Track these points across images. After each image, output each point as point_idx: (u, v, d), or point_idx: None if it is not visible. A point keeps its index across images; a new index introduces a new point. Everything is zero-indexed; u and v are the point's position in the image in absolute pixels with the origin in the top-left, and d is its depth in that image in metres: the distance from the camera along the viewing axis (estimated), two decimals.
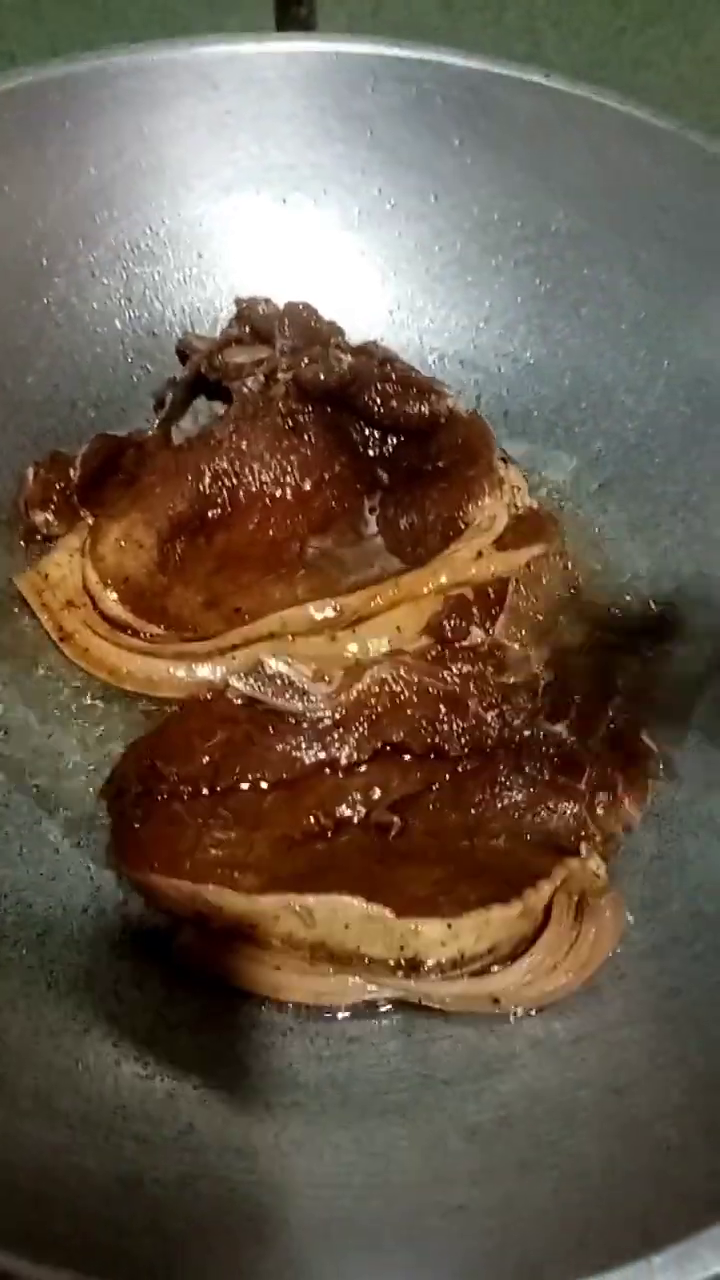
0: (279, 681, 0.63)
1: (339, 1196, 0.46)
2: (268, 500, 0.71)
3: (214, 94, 0.74)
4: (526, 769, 0.61)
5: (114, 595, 0.66)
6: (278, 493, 0.72)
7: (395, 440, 0.72)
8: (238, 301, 0.74)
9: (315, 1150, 0.48)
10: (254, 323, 0.73)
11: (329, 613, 0.67)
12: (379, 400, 0.71)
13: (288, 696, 0.62)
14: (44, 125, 0.70)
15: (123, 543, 0.67)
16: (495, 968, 0.54)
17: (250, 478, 0.71)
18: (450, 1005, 0.54)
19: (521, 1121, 0.49)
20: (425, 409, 0.71)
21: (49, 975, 0.53)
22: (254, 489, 0.71)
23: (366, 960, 0.53)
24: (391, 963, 0.53)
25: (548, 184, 0.76)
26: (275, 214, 0.78)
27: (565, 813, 0.59)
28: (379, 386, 0.71)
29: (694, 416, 0.73)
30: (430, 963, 0.53)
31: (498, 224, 0.78)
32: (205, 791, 0.59)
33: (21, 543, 0.69)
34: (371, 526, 0.73)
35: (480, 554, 0.68)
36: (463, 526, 0.69)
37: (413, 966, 0.53)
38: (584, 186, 0.75)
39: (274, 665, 0.63)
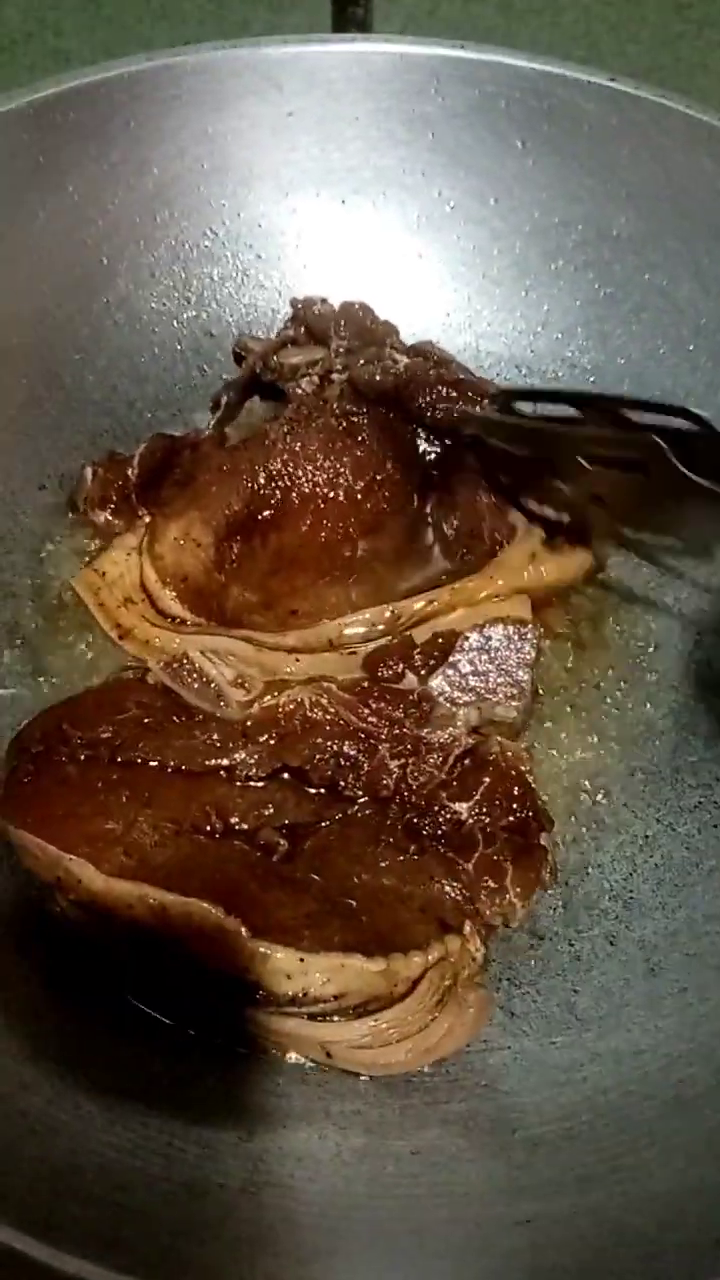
0: (198, 676, 0.62)
1: (403, 1207, 0.46)
2: (320, 502, 0.71)
3: (278, 95, 0.74)
4: (421, 831, 0.58)
5: (172, 593, 0.66)
6: (330, 494, 0.71)
7: (447, 443, 0.72)
8: (293, 302, 0.74)
9: (378, 1160, 0.48)
10: (310, 323, 0.72)
11: (386, 616, 0.67)
12: (432, 403, 0.70)
13: (200, 693, 0.62)
14: (109, 124, 0.71)
15: (181, 541, 0.67)
16: (336, 1017, 0.51)
17: (303, 478, 0.71)
18: (278, 1039, 0.52)
19: (585, 1134, 0.49)
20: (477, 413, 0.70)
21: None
22: (307, 490, 0.71)
23: (207, 974, 0.51)
24: (233, 981, 0.51)
25: (610, 188, 0.75)
26: (335, 215, 0.78)
27: (449, 889, 0.56)
28: (433, 389, 0.70)
29: None
30: (270, 992, 0.50)
31: (558, 227, 0.77)
32: (106, 760, 0.58)
33: (83, 541, 0.69)
34: (427, 527, 0.72)
35: (534, 555, 0.67)
36: (508, 531, 0.69)
37: (252, 991, 0.50)
38: (646, 191, 0.75)
39: (198, 660, 0.62)
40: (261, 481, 0.70)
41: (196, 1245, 0.42)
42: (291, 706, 0.61)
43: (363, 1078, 0.52)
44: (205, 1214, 0.43)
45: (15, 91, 0.68)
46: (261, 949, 0.50)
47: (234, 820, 0.57)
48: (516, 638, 0.64)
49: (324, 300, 0.73)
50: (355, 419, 0.71)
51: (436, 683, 0.63)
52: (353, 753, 0.60)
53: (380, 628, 0.67)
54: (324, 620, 0.68)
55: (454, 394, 0.70)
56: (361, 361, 0.71)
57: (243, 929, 0.50)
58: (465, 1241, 0.44)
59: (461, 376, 0.71)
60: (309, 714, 0.61)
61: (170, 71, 0.72)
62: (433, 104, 0.76)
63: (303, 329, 0.75)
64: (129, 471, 0.70)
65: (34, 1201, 0.40)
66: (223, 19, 0.95)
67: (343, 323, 0.72)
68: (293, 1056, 0.53)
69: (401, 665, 0.64)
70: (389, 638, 0.66)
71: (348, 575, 0.70)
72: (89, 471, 0.69)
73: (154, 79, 0.72)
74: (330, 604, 0.69)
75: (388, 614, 0.67)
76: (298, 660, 0.66)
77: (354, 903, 0.54)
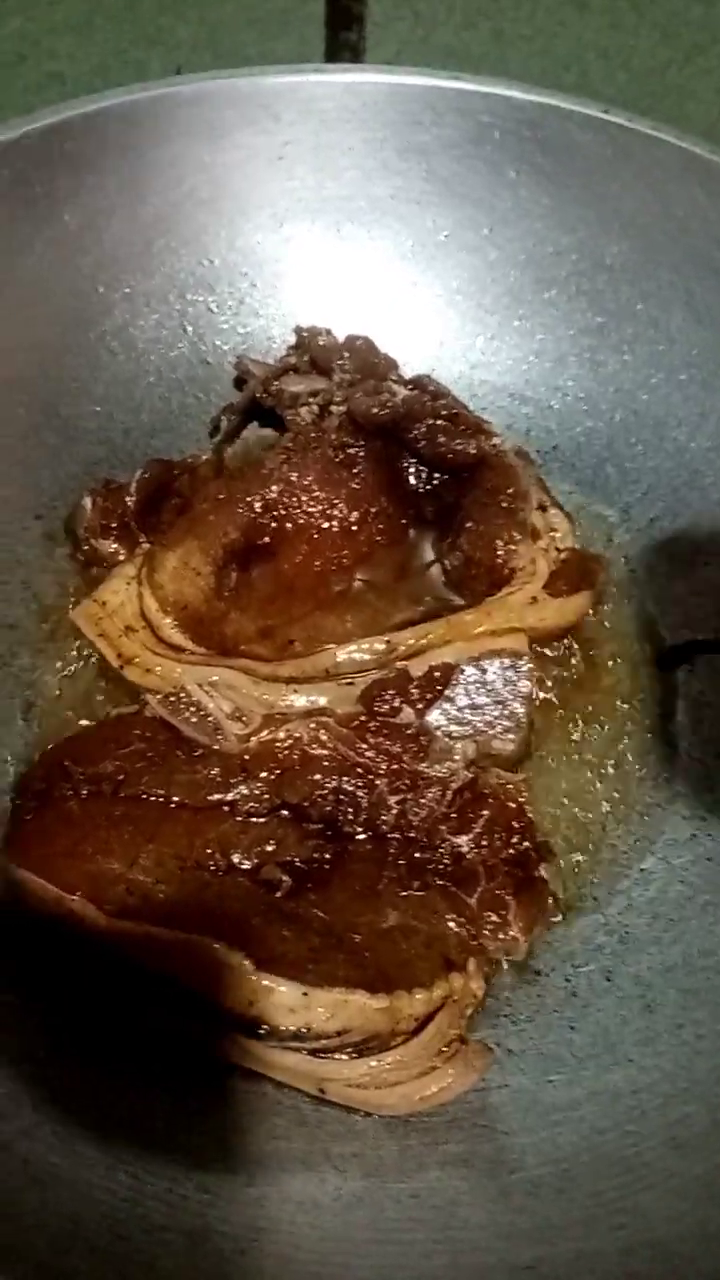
0: (195, 710, 0.62)
1: (404, 1253, 0.46)
2: (315, 532, 0.71)
3: (274, 125, 0.74)
4: (423, 866, 0.59)
5: (172, 622, 0.66)
6: (325, 524, 0.71)
7: (441, 477, 0.72)
8: (298, 330, 0.74)
9: (377, 1204, 0.48)
10: (313, 353, 0.73)
11: (379, 648, 0.67)
12: (426, 436, 0.70)
13: (198, 727, 0.62)
14: (106, 154, 0.70)
15: (180, 570, 0.67)
16: (338, 1055, 0.52)
17: (299, 508, 0.71)
18: (276, 1075, 0.52)
19: (584, 1176, 0.49)
20: (471, 448, 0.71)
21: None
22: (302, 520, 0.71)
23: (210, 1010, 0.51)
24: (236, 1016, 0.51)
25: (603, 218, 0.76)
26: (329, 244, 0.78)
27: (453, 924, 0.57)
28: (428, 422, 0.70)
29: None
30: (272, 1027, 0.50)
31: (551, 257, 0.77)
32: (109, 795, 0.58)
33: (82, 567, 0.70)
34: (421, 560, 0.73)
35: (535, 600, 0.67)
36: (507, 574, 0.69)
37: (254, 1025, 0.51)
38: (639, 221, 0.75)
39: (195, 693, 0.62)
40: (258, 510, 0.70)
41: None
42: (290, 741, 0.62)
43: (359, 1116, 0.52)
44: (207, 1263, 0.43)
45: (13, 121, 0.68)
46: (265, 982, 0.51)
47: (236, 857, 0.57)
48: (512, 671, 0.65)
49: (328, 331, 0.73)
50: (352, 451, 0.71)
51: (434, 716, 0.64)
52: (351, 788, 0.60)
53: (375, 659, 0.67)
54: (319, 649, 0.68)
55: (448, 427, 0.71)
56: (360, 394, 0.71)
57: (246, 962, 0.51)
58: None
59: (457, 410, 0.71)
60: (307, 749, 0.61)
61: (168, 101, 0.72)
62: (427, 134, 0.76)
63: (306, 357, 0.75)
64: (127, 499, 0.70)
65: (37, 1254, 0.40)
66: (217, 44, 0.95)
67: (346, 355, 0.72)
68: (287, 1095, 0.53)
69: (398, 699, 0.64)
70: (385, 670, 0.66)
71: (343, 605, 0.70)
72: (88, 500, 0.69)
73: (151, 109, 0.71)
74: (326, 634, 0.69)
75: (382, 645, 0.67)
76: (295, 691, 0.66)
77: (358, 938, 0.55)
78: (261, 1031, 0.51)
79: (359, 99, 0.75)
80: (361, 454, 0.71)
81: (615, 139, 0.74)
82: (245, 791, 0.60)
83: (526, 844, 0.60)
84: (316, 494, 0.71)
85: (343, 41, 0.95)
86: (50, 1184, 0.44)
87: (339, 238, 0.78)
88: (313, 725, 0.62)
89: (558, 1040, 0.56)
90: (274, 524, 0.70)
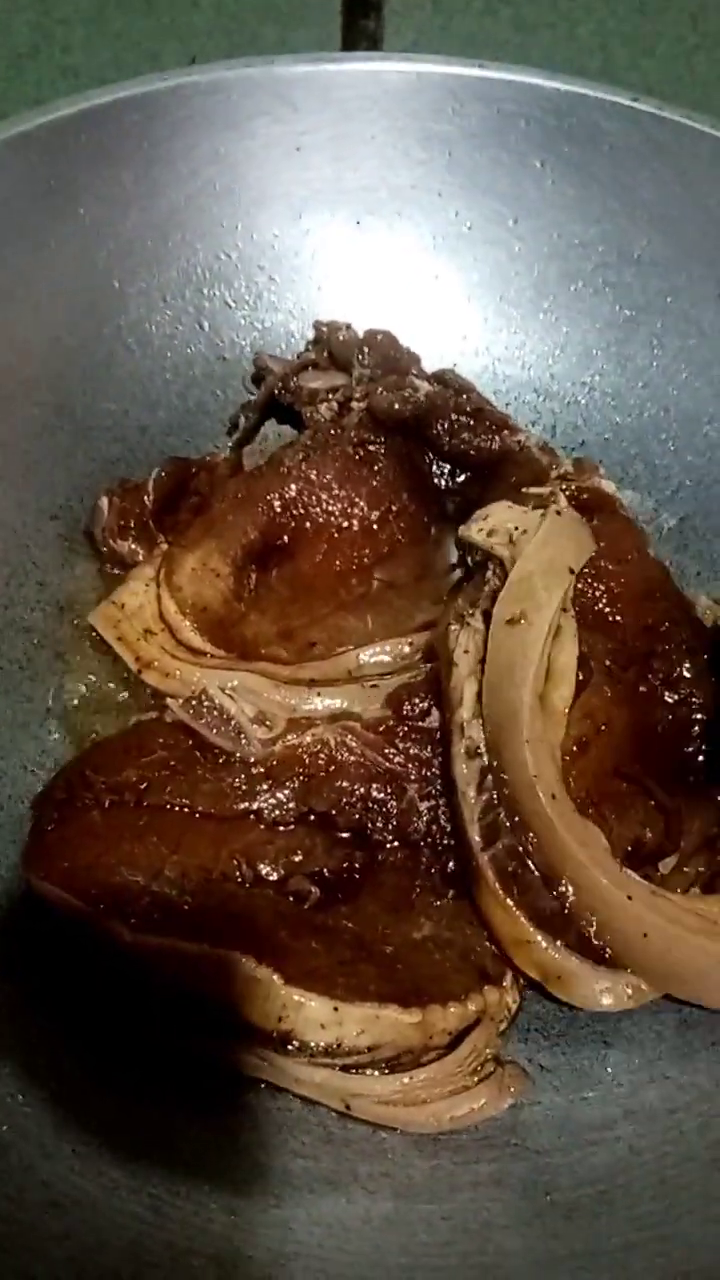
0: (218, 714, 0.60)
1: (437, 1279, 0.44)
2: (335, 531, 0.69)
3: (292, 115, 0.72)
4: (456, 875, 0.57)
5: (192, 624, 0.65)
6: (345, 523, 0.69)
7: (464, 474, 0.71)
8: (317, 325, 0.72)
9: (409, 1227, 0.46)
10: (333, 348, 0.71)
11: (403, 650, 0.66)
12: (449, 432, 0.69)
13: (221, 732, 0.60)
14: (122, 145, 0.69)
15: (199, 571, 0.66)
16: (369, 1070, 0.51)
17: (318, 507, 0.69)
18: (303, 1091, 0.51)
19: (621, 1199, 0.48)
20: (495, 444, 0.69)
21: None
22: (321, 519, 0.69)
23: (237, 1026, 0.49)
24: (264, 1032, 0.49)
25: (631, 209, 0.74)
26: (349, 236, 0.77)
27: (485, 938, 0.55)
28: (452, 419, 0.69)
29: None
30: (303, 1043, 0.49)
31: (578, 249, 0.76)
32: (132, 804, 0.56)
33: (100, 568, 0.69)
34: (444, 559, 0.71)
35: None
36: None
37: (283, 1041, 0.49)
38: (669, 213, 0.73)
39: (218, 697, 0.61)
40: (277, 509, 0.68)
41: None
42: (317, 747, 0.60)
43: (386, 1134, 0.51)
44: None
45: (27, 114, 0.66)
46: (295, 997, 0.49)
47: (263, 868, 0.55)
48: None
49: (348, 326, 0.71)
50: (372, 448, 0.69)
51: None
52: (381, 795, 0.59)
53: (398, 660, 0.66)
54: (341, 651, 0.66)
55: (472, 423, 0.69)
56: (381, 389, 0.70)
57: (275, 977, 0.49)
58: None
59: (481, 405, 0.70)
60: (334, 754, 0.60)
61: (182, 91, 0.70)
62: (450, 123, 0.74)
63: (325, 353, 0.73)
64: (145, 498, 0.69)
65: None
66: (232, 34, 0.93)
67: (366, 350, 0.70)
68: (313, 1112, 0.52)
69: (427, 702, 0.62)
70: (410, 673, 0.65)
71: (364, 606, 0.69)
72: (104, 501, 0.68)
73: (166, 99, 0.70)
74: (347, 635, 0.68)
75: (405, 647, 0.66)
76: (319, 694, 0.65)
77: (389, 950, 0.53)
78: (291, 1047, 0.49)
79: (379, 87, 0.73)
80: (382, 451, 0.69)
81: (644, 128, 0.72)
82: (271, 799, 0.58)
83: None
84: (336, 492, 0.69)
85: (361, 30, 0.93)
86: (72, 1208, 0.43)
87: (359, 230, 0.76)
88: (339, 730, 0.60)
89: (591, 1056, 0.55)
90: (293, 523, 0.69)
